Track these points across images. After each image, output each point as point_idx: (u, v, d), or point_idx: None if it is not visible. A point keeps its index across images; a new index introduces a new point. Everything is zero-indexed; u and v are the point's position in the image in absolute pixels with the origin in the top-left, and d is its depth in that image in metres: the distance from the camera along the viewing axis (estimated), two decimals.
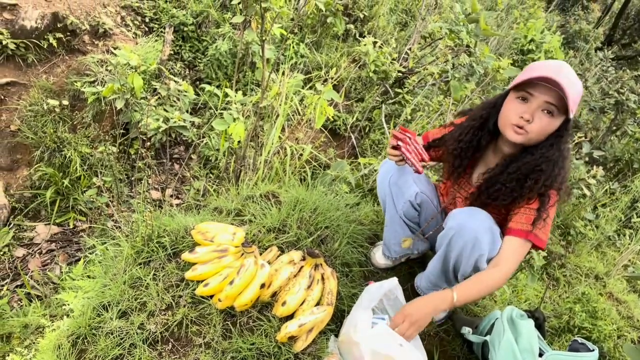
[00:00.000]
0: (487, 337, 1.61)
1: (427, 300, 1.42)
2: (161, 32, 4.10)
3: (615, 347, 2.78)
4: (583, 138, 4.25)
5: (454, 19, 3.36)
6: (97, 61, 3.57)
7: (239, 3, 2.27)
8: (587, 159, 4.21)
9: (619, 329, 2.94)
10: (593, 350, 1.43)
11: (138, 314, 1.45)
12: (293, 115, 3.31)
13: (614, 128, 5.21)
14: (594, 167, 3.86)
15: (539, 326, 1.64)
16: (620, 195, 4.69)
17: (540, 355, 1.48)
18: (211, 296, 1.49)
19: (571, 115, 1.34)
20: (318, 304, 1.56)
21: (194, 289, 1.50)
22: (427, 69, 3.38)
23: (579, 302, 3.01)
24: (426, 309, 1.40)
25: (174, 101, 3.41)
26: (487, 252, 1.45)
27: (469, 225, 1.45)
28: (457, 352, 1.80)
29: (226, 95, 2.40)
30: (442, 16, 5.32)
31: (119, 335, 1.40)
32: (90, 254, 2.63)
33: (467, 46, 3.36)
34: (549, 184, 1.40)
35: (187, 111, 3.67)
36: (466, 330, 1.72)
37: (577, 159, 3.78)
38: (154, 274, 1.56)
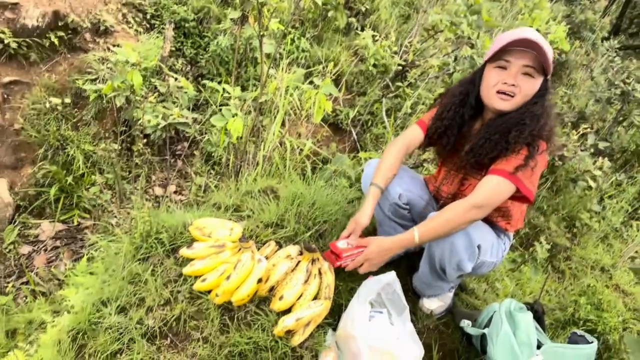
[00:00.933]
0: (486, 330, 1.61)
1: (390, 245, 1.52)
2: (162, 28, 4.10)
3: (620, 339, 2.75)
4: (589, 129, 4.21)
5: (456, 9, 3.33)
6: (99, 59, 3.58)
7: None
8: (592, 150, 4.17)
9: (624, 321, 2.92)
10: (592, 342, 1.42)
11: (137, 310, 1.46)
12: (293, 110, 3.31)
13: (621, 119, 5.15)
14: (600, 158, 3.83)
15: (538, 319, 1.63)
16: (627, 187, 4.64)
17: (539, 347, 1.48)
18: (209, 291, 1.50)
19: (549, 75, 1.40)
20: (315, 298, 1.56)
21: (192, 285, 1.51)
22: (427, 62, 3.36)
23: (584, 294, 2.99)
24: (387, 254, 1.53)
25: (176, 98, 3.42)
26: (465, 255, 1.47)
27: None
28: (456, 345, 1.80)
29: (225, 90, 2.40)
30: (444, 8, 5.27)
31: (118, 330, 1.41)
32: (93, 250, 2.66)
33: (469, 38, 3.33)
34: (535, 134, 1.42)
35: (188, 108, 3.69)
36: (465, 324, 1.72)
37: (582, 150, 3.74)
38: (153, 270, 1.57)
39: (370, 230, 2.13)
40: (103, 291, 1.55)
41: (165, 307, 1.47)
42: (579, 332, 1.48)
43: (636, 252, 4.03)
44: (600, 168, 3.76)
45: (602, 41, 7.00)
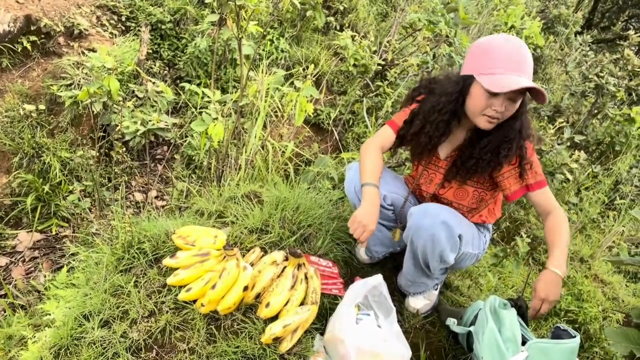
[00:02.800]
0: (472, 328, 1.63)
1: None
2: (138, 31, 4.03)
3: (601, 328, 2.82)
4: (565, 123, 4.30)
5: (432, 9, 3.36)
6: (73, 63, 3.50)
7: (213, 0, 2.24)
8: (569, 143, 4.26)
9: (604, 311, 3.00)
10: (575, 336, 1.45)
11: (120, 323, 1.43)
12: (274, 112, 3.29)
13: (595, 111, 5.26)
14: (576, 151, 3.91)
15: (522, 314, 1.66)
16: (602, 178, 4.74)
17: (524, 343, 1.51)
18: (194, 301, 1.48)
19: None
20: (302, 303, 1.56)
21: (177, 295, 1.49)
22: (407, 61, 3.38)
23: (564, 285, 3.06)
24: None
25: (154, 102, 3.37)
26: (447, 246, 1.51)
27: (423, 223, 1.51)
28: (443, 344, 1.82)
29: (205, 94, 2.37)
30: (422, 5, 5.31)
31: (101, 345, 1.38)
32: (73, 260, 2.60)
33: (447, 36, 3.36)
34: (520, 145, 1.48)
35: (167, 112, 3.63)
36: (451, 322, 1.74)
37: (559, 144, 3.82)
38: (136, 281, 1.55)
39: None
40: (85, 304, 1.52)
41: (149, 318, 1.45)
42: (562, 326, 1.51)
43: (613, 242, 4.13)
44: (577, 161, 3.85)
45: (575, 35, 7.15)
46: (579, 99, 5.58)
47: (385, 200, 1.72)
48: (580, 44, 6.31)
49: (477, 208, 1.70)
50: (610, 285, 3.58)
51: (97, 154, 3.21)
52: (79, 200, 3.12)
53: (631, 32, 5.17)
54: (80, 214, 3.11)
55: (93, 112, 3.22)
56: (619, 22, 7.77)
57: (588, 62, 5.79)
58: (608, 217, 4.54)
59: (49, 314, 1.86)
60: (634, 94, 4.99)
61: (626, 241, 4.42)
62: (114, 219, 1.99)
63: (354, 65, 3.34)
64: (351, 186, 1.71)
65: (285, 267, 1.61)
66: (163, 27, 4.05)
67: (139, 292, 1.51)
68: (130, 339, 1.40)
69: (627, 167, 5.02)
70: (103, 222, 2.44)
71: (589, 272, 3.69)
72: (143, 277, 1.56)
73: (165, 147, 3.78)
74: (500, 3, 6.77)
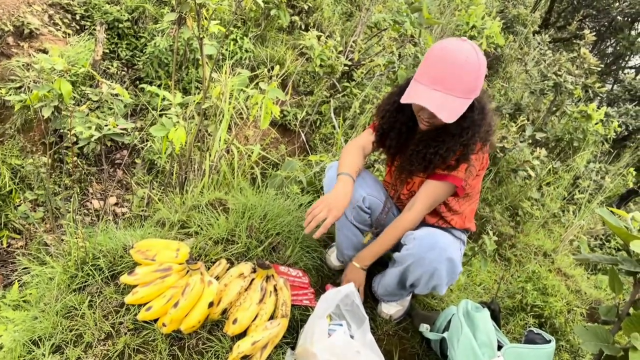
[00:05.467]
0: (445, 334, 1.61)
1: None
2: (94, 30, 3.83)
3: (566, 322, 2.89)
4: (525, 121, 4.40)
5: (397, 9, 3.34)
6: (23, 65, 3.29)
7: None
8: (530, 141, 4.36)
9: (568, 304, 3.07)
10: (550, 341, 1.45)
11: (74, 348, 1.33)
12: (239, 114, 3.19)
13: (554, 109, 5.42)
14: (537, 148, 4.00)
15: (495, 317, 1.65)
16: (562, 174, 4.89)
17: (499, 348, 1.49)
18: (155, 320, 1.39)
19: (470, 101, 1.39)
20: (272, 317, 1.49)
21: (136, 314, 1.39)
22: (373, 61, 3.35)
23: (530, 280, 3.11)
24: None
25: (111, 104, 3.20)
26: (445, 281, 1.49)
27: (429, 256, 1.47)
28: (416, 350, 1.79)
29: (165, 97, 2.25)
30: (386, 5, 5.32)
31: None
32: (25, 274, 2.43)
33: (412, 36, 3.36)
34: (457, 148, 1.48)
35: (125, 115, 3.47)
36: (424, 328, 1.71)
37: (520, 142, 3.89)
38: (90, 301, 1.44)
39: (325, 239, 2.08)
40: (35, 328, 1.40)
41: (106, 341, 1.35)
42: (535, 330, 1.51)
43: (574, 235, 4.26)
44: (538, 157, 3.94)
45: (533, 35, 7.35)
46: (539, 96, 5.74)
47: (364, 202, 1.67)
48: (539, 43, 6.49)
49: (453, 211, 1.68)
50: (572, 278, 3.68)
51: (50, 160, 3.02)
52: (31, 210, 2.93)
53: (586, 31, 5.34)
54: (34, 225, 2.93)
55: (44, 116, 3.04)
56: (574, 22, 8.05)
57: (546, 61, 5.96)
58: (568, 211, 4.68)
59: None
60: (590, 92, 5.16)
61: (586, 234, 4.58)
62: (65, 232, 1.86)
63: (321, 65, 3.29)
64: (331, 185, 1.66)
65: (253, 280, 1.54)
66: (120, 25, 3.87)
67: (94, 313, 1.40)
68: None
69: (585, 163, 5.20)
70: (55, 237, 2.28)
71: (552, 266, 3.79)
72: (99, 296, 1.45)
73: (125, 152, 3.62)
74: (462, 3, 6.88)
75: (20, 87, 3.17)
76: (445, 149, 1.47)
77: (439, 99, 1.33)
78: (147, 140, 3.39)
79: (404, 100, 1.38)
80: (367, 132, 1.77)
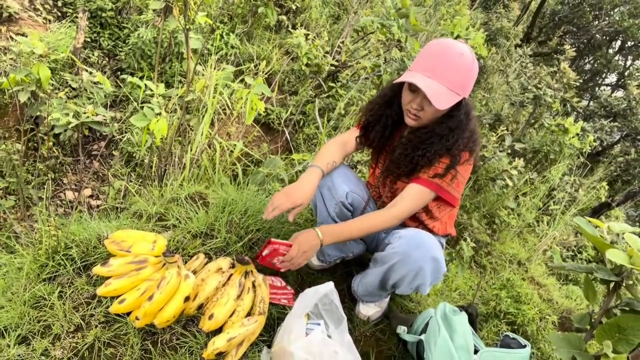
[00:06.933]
0: (422, 336, 1.61)
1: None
2: (76, 17, 3.73)
3: (538, 329, 2.93)
4: (505, 131, 4.48)
5: (385, 13, 3.36)
6: (0, 48, 3.18)
7: None
8: (509, 151, 4.44)
9: (540, 312, 3.12)
10: (525, 345, 1.46)
11: (41, 339, 1.27)
12: (223, 109, 3.15)
13: (532, 121, 5.53)
14: (516, 158, 4.08)
15: (472, 322, 1.66)
16: (538, 185, 4.98)
17: (475, 352, 1.50)
18: (128, 314, 1.35)
19: (459, 98, 1.41)
20: (249, 314, 1.46)
21: (108, 307, 1.35)
22: (359, 63, 3.36)
23: (504, 288, 3.15)
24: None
25: (91, 94, 3.11)
26: (429, 280, 1.49)
27: (415, 255, 1.46)
28: (393, 352, 1.79)
29: (148, 87, 2.20)
30: (373, 10, 5.35)
31: None
32: None
33: (399, 41, 3.38)
34: (443, 151, 1.49)
35: (105, 105, 3.39)
36: (401, 330, 1.71)
37: (500, 151, 3.96)
38: (61, 291, 1.38)
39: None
40: (0, 319, 1.34)
41: (75, 334, 1.30)
42: (511, 335, 1.52)
43: (548, 245, 4.35)
44: (516, 167, 4.01)
45: (515, 48, 7.51)
46: (518, 108, 5.85)
47: (347, 197, 1.66)
48: (520, 56, 6.63)
49: (434, 218, 1.68)
50: (545, 287, 3.75)
51: (24, 148, 2.92)
52: (2, 198, 2.82)
53: (567, 46, 5.47)
54: (5, 213, 2.82)
55: (19, 102, 2.94)
56: (555, 37, 8.26)
57: (527, 74, 6.09)
58: (543, 221, 4.77)
59: None
60: (568, 105, 5.29)
61: (559, 245, 4.67)
62: (37, 221, 1.79)
63: (307, 64, 3.28)
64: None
65: (231, 275, 1.51)
66: (104, 15, 3.78)
67: (63, 304, 1.34)
68: (52, 357, 1.24)
69: (560, 175, 5.31)
70: (25, 224, 2.20)
71: (526, 275, 3.85)
72: (69, 287, 1.40)
73: (103, 143, 3.53)
74: (447, 13, 6.98)
75: None
76: (433, 152, 1.48)
77: (433, 85, 1.36)
78: (126, 132, 3.31)
79: (399, 80, 1.40)
80: (352, 130, 1.78)
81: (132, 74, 3.64)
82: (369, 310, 1.84)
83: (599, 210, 5.36)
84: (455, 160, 1.49)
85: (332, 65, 3.48)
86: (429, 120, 1.48)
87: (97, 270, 1.40)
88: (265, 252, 1.50)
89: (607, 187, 5.66)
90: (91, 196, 3.16)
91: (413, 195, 1.53)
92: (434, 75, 1.37)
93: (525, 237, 4.62)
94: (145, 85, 2.24)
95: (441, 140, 1.47)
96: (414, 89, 1.43)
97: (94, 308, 1.35)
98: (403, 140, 1.57)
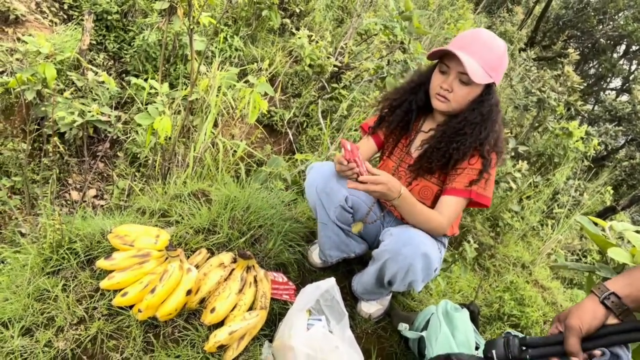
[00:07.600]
0: (424, 333, 1.60)
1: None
2: (82, 20, 3.78)
3: (541, 332, 2.92)
4: (509, 134, 4.47)
5: (388, 16, 3.38)
6: (7, 50, 3.22)
7: None
8: (513, 153, 4.43)
9: (544, 315, 3.10)
10: None
11: (45, 331, 1.28)
12: (227, 109, 3.17)
13: (536, 124, 5.52)
14: (519, 161, 4.07)
15: (474, 319, 1.66)
16: (542, 188, 4.97)
17: (476, 348, 1.49)
18: (130, 306, 1.36)
19: (491, 80, 1.43)
20: (251, 308, 1.47)
21: (111, 300, 1.36)
22: (362, 65, 3.37)
23: (508, 290, 3.14)
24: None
25: (97, 95, 3.14)
26: (420, 277, 1.48)
27: (404, 252, 1.45)
28: (394, 349, 1.78)
29: (152, 88, 2.22)
30: (376, 13, 5.37)
31: (22, 356, 1.23)
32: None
33: (402, 43, 3.39)
34: (476, 144, 1.49)
35: (110, 105, 3.42)
36: (403, 327, 1.70)
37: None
38: (64, 284, 1.39)
39: (310, 236, 2.07)
40: (4, 310, 1.35)
41: (78, 326, 1.31)
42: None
43: (552, 249, 4.32)
44: (520, 170, 4.00)
45: (519, 52, 7.52)
46: (522, 112, 5.85)
47: (347, 201, 1.65)
48: (524, 60, 6.63)
49: None
50: (549, 290, 3.73)
51: (29, 147, 2.95)
52: (8, 197, 2.85)
53: (571, 50, 5.47)
54: (8, 212, 2.85)
55: (26, 101, 2.97)
56: (559, 42, 8.26)
57: (531, 77, 6.09)
58: (547, 225, 4.75)
59: None
60: (572, 109, 5.28)
61: (563, 248, 4.65)
62: (41, 214, 1.81)
63: (310, 65, 3.30)
64: (312, 187, 1.62)
65: (233, 270, 1.52)
66: (109, 17, 3.82)
67: (67, 296, 1.36)
68: (55, 348, 1.25)
69: (564, 178, 5.29)
70: (30, 220, 2.22)
71: (530, 278, 3.83)
72: (73, 280, 1.41)
73: (108, 144, 3.56)
74: (451, 17, 7.01)
75: (2, 72, 3.10)
76: (468, 144, 1.48)
77: (469, 59, 1.38)
78: (130, 133, 3.33)
79: (436, 50, 1.42)
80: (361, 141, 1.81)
81: (137, 77, 3.67)
82: (371, 308, 1.84)
83: (603, 214, 5.33)
84: (487, 163, 1.49)
85: (335, 66, 3.50)
86: (458, 104, 1.48)
87: (101, 263, 1.42)
88: (348, 148, 1.42)
89: (612, 191, 5.63)
90: (96, 196, 3.18)
91: (453, 206, 1.51)
92: (469, 52, 1.40)
93: (529, 241, 4.60)
94: (150, 86, 2.26)
95: (474, 130, 1.47)
96: (444, 70, 1.46)
97: (97, 301, 1.37)
98: (436, 134, 1.55)
